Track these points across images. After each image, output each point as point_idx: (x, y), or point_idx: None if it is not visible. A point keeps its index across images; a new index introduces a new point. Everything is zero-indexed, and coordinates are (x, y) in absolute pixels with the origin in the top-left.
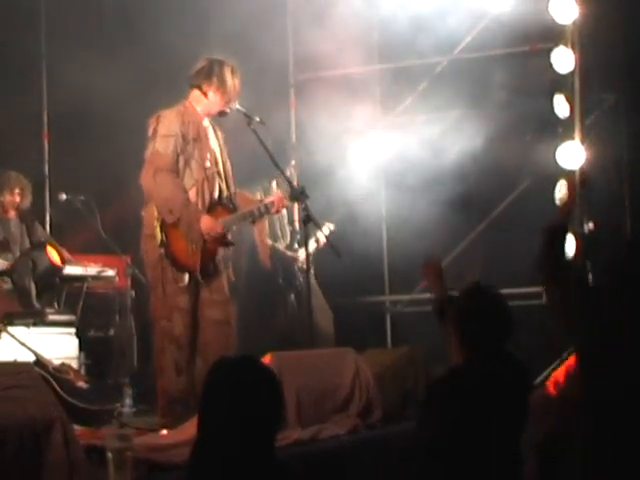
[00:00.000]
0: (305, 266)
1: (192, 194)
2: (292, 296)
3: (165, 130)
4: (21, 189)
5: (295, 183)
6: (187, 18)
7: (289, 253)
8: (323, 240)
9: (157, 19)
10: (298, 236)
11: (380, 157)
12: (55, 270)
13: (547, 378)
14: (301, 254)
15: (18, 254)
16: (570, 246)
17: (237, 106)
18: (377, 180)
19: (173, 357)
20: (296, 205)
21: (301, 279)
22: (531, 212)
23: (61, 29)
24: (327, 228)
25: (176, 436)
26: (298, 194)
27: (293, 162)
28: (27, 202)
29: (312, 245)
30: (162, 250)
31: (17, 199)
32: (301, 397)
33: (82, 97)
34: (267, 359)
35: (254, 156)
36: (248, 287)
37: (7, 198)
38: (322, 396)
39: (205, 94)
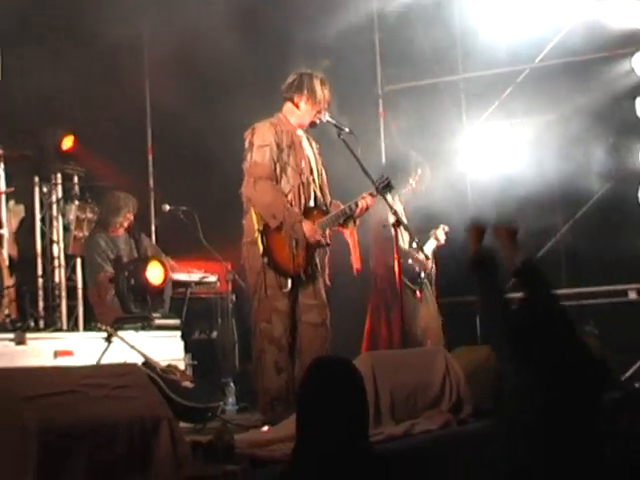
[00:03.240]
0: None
1: (289, 198)
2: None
3: (260, 141)
4: (133, 208)
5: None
6: (279, 35)
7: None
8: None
9: (252, 37)
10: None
11: (465, 163)
12: (150, 289)
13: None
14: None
15: None
16: None
17: (327, 117)
18: (462, 184)
19: (273, 358)
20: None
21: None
22: (614, 213)
23: (160, 52)
24: (442, 230)
25: (276, 432)
26: (380, 187)
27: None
28: (133, 218)
29: (431, 245)
30: (265, 258)
31: (131, 219)
32: (394, 394)
33: (182, 112)
34: (363, 358)
35: (353, 169)
36: (347, 289)
37: (120, 219)
38: (414, 393)
39: (297, 106)
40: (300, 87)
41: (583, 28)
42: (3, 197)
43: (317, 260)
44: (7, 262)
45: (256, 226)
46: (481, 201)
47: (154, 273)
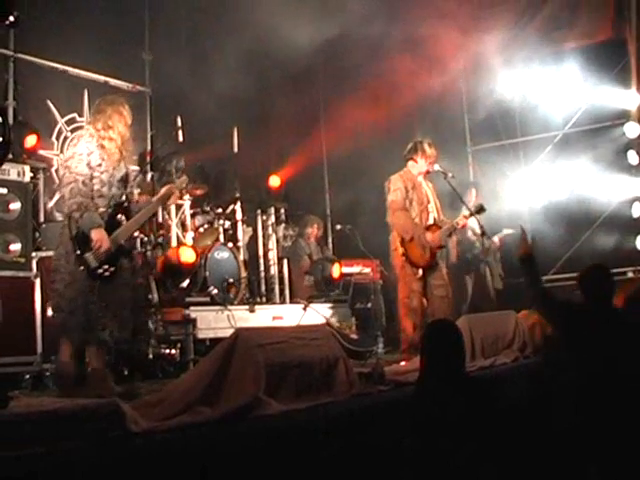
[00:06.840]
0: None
1: (416, 220)
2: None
3: (394, 186)
4: (318, 225)
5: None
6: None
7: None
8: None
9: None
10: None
11: (524, 189)
12: (331, 280)
13: None
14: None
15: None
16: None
17: (437, 167)
18: (522, 202)
19: (412, 320)
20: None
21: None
22: (619, 221)
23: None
24: (507, 231)
25: (410, 366)
26: (474, 212)
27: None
28: (320, 232)
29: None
30: (404, 258)
31: (316, 232)
32: (484, 341)
33: (353, 163)
34: (462, 320)
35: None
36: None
37: (310, 230)
38: (496, 339)
39: (416, 161)
40: (416, 149)
41: (594, 107)
42: (239, 223)
43: (438, 255)
44: (242, 262)
45: (397, 239)
46: (534, 215)
47: (336, 270)
